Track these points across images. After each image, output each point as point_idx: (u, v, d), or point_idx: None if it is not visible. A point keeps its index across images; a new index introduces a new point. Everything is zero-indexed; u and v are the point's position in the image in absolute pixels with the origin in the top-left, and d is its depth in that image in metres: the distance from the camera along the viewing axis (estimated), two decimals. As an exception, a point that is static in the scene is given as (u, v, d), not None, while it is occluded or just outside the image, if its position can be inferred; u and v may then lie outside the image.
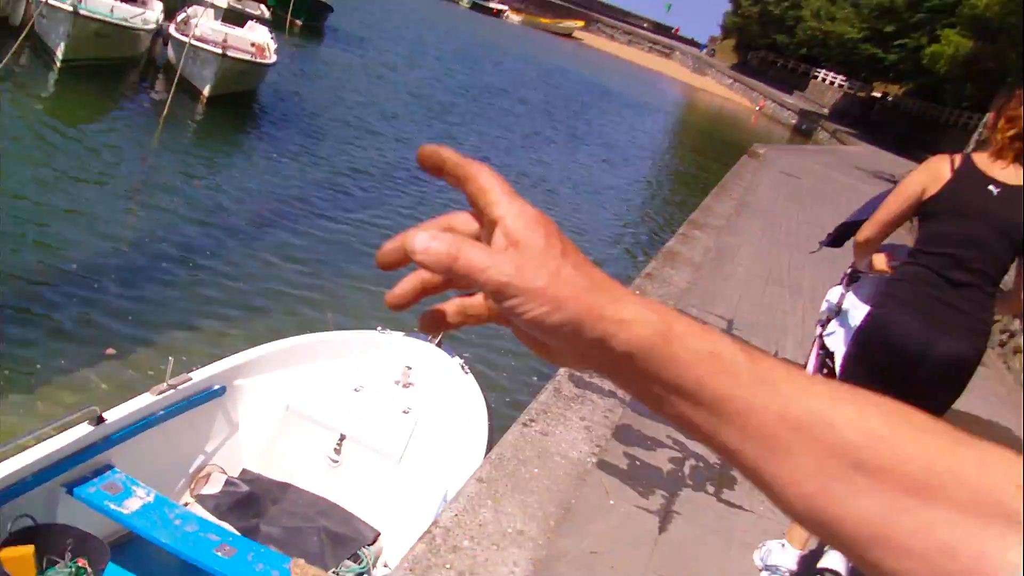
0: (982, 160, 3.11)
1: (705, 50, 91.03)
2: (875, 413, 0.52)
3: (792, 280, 8.13)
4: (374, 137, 13.80)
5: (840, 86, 56.11)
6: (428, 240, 0.51)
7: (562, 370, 4.50)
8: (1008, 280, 3.19)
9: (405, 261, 0.53)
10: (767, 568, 3.37)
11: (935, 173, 3.14)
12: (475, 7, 61.71)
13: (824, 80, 58.61)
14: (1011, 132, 3.02)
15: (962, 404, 6.46)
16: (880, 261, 3.43)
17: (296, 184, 10.20)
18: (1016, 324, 8.03)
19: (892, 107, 48.15)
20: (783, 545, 3.37)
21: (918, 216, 3.22)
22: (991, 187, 3.05)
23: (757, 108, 53.45)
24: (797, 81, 61.60)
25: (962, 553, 0.49)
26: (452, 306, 0.58)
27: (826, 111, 50.00)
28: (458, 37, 35.74)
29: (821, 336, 3.98)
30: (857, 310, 3.67)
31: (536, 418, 3.91)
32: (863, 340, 3.31)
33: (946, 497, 0.50)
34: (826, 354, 3.95)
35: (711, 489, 3.82)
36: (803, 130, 43.92)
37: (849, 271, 3.87)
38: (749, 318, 6.49)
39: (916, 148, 33.78)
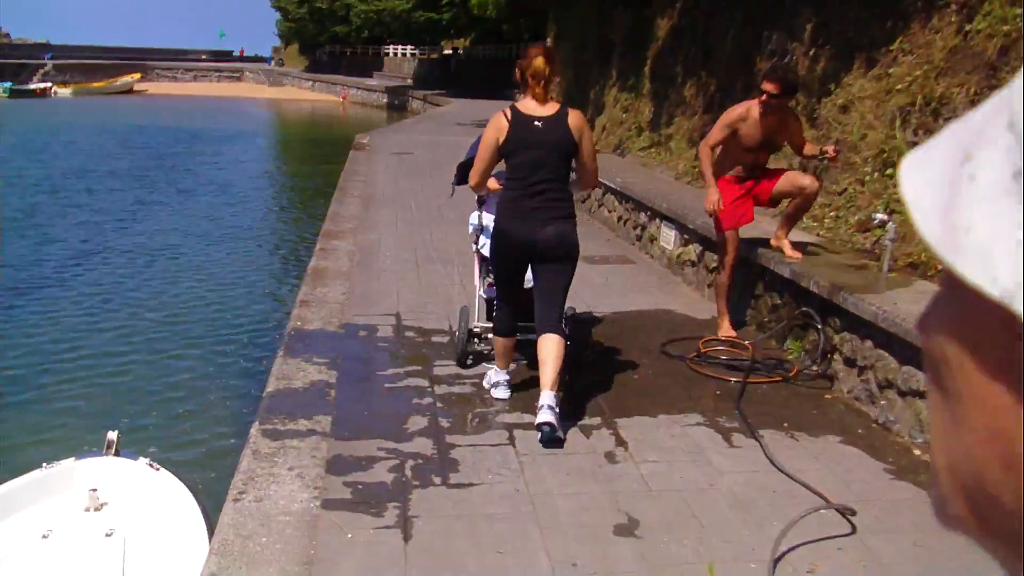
0: (523, 105, 4.45)
1: (273, 62, 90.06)
2: None
3: (440, 252, 8.38)
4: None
5: (413, 55, 58.09)
6: None
7: (253, 429, 4.33)
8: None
9: None
10: (493, 386, 4.77)
11: (499, 125, 4.44)
12: (15, 94, 55.30)
13: (396, 54, 60.41)
14: (541, 83, 4.37)
15: (644, 303, 7.04)
16: (493, 184, 4.84)
17: None
18: (642, 217, 8.88)
19: (466, 59, 50.79)
20: (495, 370, 4.80)
21: (502, 156, 4.49)
22: (536, 123, 4.39)
23: (342, 99, 54.28)
24: (372, 63, 62.92)
25: None
26: None
27: (410, 81, 51.77)
28: (10, 132, 31.80)
29: (478, 250, 5.51)
30: (492, 223, 5.01)
31: (245, 488, 3.73)
32: (497, 243, 4.63)
33: None
34: (484, 261, 5.44)
35: (438, 480, 3.88)
36: (397, 105, 45.19)
37: (477, 198, 5.31)
38: (414, 304, 6.61)
39: (500, 88, 35.91)
